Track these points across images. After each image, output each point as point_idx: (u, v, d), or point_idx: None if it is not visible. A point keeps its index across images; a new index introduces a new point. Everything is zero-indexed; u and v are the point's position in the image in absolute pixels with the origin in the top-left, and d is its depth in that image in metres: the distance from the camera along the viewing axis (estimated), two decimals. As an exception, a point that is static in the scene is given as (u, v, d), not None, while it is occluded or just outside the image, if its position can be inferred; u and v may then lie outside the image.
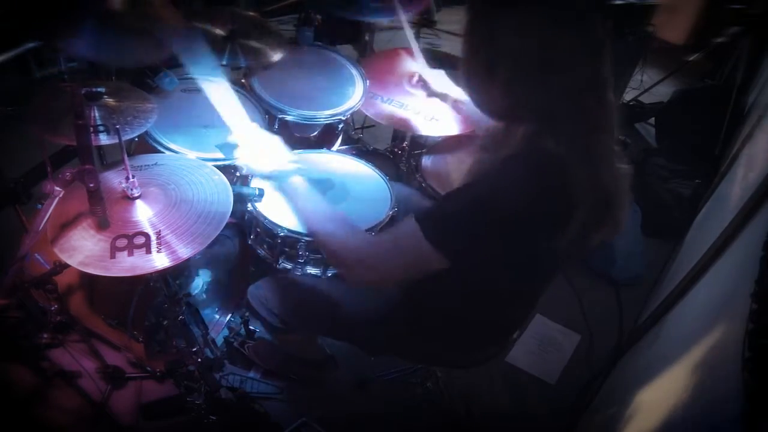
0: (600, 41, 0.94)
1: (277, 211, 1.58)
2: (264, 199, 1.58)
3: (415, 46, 1.90)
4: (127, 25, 1.56)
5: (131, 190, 1.25)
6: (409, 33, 1.92)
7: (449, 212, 0.99)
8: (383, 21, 2.46)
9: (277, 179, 1.18)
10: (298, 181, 1.17)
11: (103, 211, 1.16)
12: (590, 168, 0.95)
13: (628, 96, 3.59)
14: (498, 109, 1.04)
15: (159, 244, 1.18)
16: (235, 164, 1.36)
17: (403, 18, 1.95)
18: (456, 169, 1.98)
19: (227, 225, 1.27)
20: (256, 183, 1.64)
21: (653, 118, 3.54)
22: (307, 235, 1.52)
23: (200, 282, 1.78)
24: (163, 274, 1.39)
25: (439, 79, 1.82)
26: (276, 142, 1.24)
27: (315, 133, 2.04)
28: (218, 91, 1.28)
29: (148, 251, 1.16)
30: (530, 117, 0.98)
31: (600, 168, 0.97)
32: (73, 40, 1.48)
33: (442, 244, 0.96)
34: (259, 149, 1.22)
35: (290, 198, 1.17)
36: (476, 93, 1.04)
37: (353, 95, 2.00)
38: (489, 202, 0.94)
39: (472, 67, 1.01)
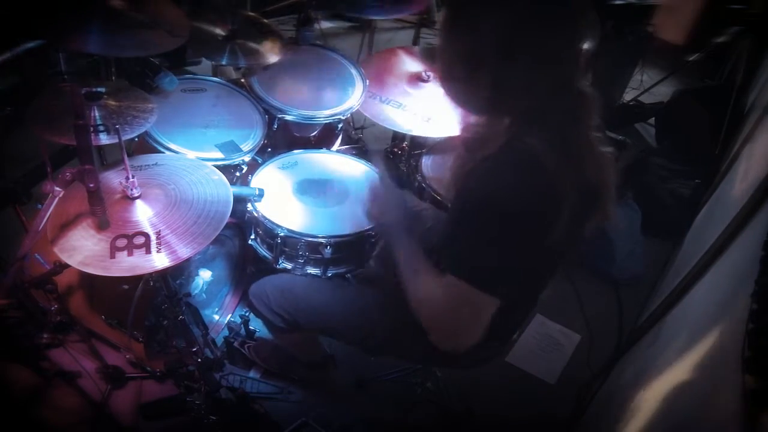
0: (581, 32, 0.94)
1: (277, 211, 1.58)
2: (264, 199, 1.58)
3: None
4: (131, 21, 1.56)
5: (131, 190, 1.25)
6: None
7: (465, 240, 0.99)
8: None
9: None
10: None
11: (103, 211, 1.16)
12: (573, 161, 0.95)
13: (628, 96, 3.59)
14: (479, 103, 1.04)
15: (159, 244, 1.18)
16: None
17: None
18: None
19: (227, 225, 1.28)
20: (255, 183, 1.65)
21: (653, 118, 3.54)
22: (306, 235, 1.53)
23: (200, 282, 1.78)
24: (163, 274, 1.39)
25: None
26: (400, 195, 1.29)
27: (314, 133, 2.04)
28: None
29: (148, 251, 1.16)
30: (512, 110, 0.99)
31: (583, 160, 0.98)
32: (78, 37, 1.48)
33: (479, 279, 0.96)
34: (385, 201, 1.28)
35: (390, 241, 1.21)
36: (456, 86, 1.04)
37: (353, 95, 2.00)
38: (492, 212, 0.95)
39: (453, 58, 1.00)
